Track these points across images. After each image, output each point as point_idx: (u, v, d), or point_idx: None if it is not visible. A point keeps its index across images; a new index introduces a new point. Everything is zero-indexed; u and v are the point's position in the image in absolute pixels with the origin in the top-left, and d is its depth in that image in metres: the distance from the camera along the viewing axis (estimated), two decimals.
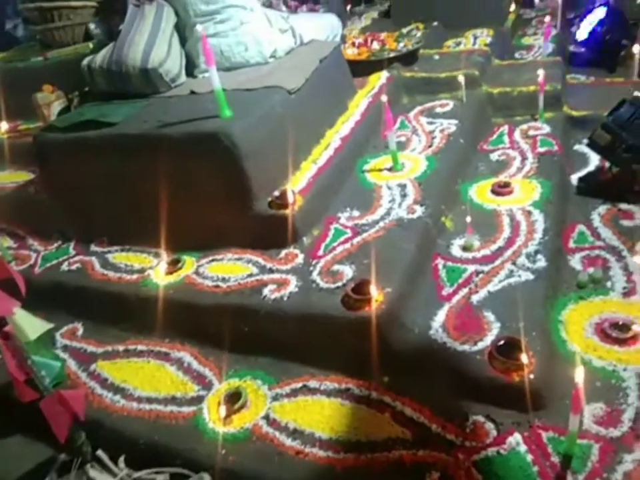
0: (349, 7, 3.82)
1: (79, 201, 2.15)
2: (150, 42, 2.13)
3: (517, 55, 2.90)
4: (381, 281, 1.49)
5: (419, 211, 1.77)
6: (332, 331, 1.49)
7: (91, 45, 2.69)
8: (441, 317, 1.46)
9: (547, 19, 2.86)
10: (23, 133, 2.77)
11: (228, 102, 1.82)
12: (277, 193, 1.83)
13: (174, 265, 1.87)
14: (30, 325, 1.57)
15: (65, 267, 2.05)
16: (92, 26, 2.72)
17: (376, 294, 1.43)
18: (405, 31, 3.03)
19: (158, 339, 1.78)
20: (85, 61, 2.23)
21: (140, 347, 1.78)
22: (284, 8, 3.07)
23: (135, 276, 1.90)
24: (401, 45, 2.70)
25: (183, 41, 2.29)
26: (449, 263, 1.66)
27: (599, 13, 2.92)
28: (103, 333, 1.88)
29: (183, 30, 2.28)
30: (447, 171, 2.01)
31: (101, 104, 2.20)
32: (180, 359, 1.69)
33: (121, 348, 1.79)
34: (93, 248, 2.12)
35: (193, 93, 2.11)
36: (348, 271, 1.59)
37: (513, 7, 3.34)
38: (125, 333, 1.84)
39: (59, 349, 1.85)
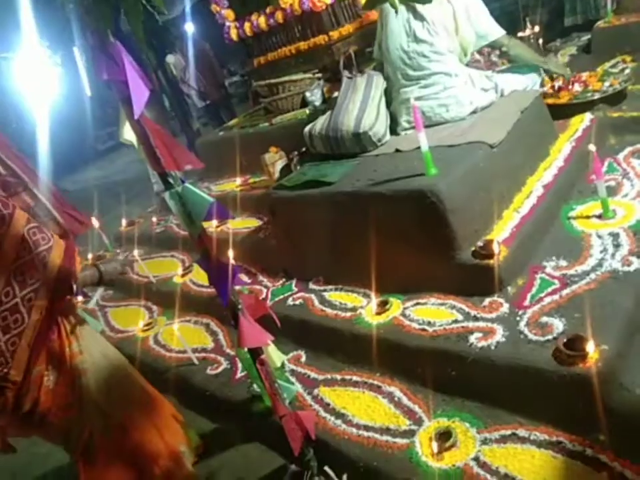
0: (541, 41, 3.72)
1: (300, 246, 2.53)
2: (361, 109, 2.44)
3: None
4: (596, 337, 1.48)
5: (636, 263, 1.71)
6: (542, 384, 1.52)
7: (307, 111, 3.16)
8: None
9: None
10: (252, 186, 3.36)
11: (432, 159, 1.99)
12: (480, 243, 1.93)
13: (382, 306, 2.10)
14: (276, 354, 1.93)
15: (290, 301, 2.43)
16: (308, 94, 3.19)
17: (592, 351, 1.43)
18: (609, 65, 2.89)
19: (370, 372, 2.00)
20: (307, 128, 2.63)
21: (355, 378, 2.02)
22: (477, 56, 3.17)
23: (348, 314, 2.16)
24: (606, 84, 2.60)
25: (389, 100, 2.56)
26: None
27: None
28: (322, 362, 2.17)
29: (390, 90, 2.56)
30: None
31: (318, 164, 2.58)
32: (391, 393, 1.88)
33: (338, 377, 2.06)
34: (311, 286, 2.46)
35: (398, 151, 2.35)
36: (558, 324, 1.61)
37: None
38: (341, 364, 2.11)
39: (287, 372, 2.20)
